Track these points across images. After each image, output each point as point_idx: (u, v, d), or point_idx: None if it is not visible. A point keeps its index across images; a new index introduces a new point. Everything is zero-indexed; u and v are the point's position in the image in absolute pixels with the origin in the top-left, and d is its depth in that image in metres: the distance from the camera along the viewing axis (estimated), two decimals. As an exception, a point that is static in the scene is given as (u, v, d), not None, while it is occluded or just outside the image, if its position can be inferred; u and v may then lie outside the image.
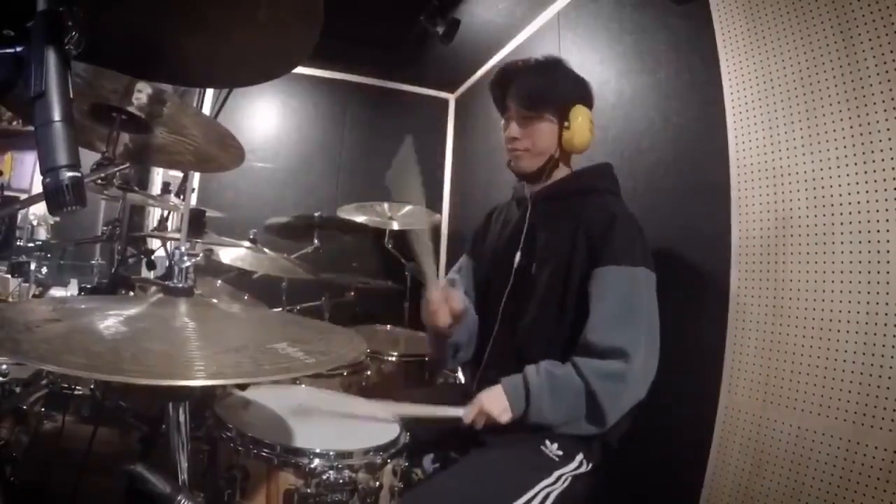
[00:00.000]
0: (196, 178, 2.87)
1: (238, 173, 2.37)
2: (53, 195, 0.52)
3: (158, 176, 2.91)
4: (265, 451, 0.95)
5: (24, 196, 2.84)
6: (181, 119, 1.08)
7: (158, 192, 2.03)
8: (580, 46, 2.16)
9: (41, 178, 0.53)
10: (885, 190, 1.05)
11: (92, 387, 1.32)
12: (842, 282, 1.12)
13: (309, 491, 0.93)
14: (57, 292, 2.22)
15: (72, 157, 0.53)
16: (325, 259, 2.62)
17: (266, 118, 3.26)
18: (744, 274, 1.33)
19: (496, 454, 1.13)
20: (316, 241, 2.52)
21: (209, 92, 2.16)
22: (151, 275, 1.83)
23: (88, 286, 1.76)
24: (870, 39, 1.09)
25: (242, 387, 1.16)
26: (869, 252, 1.07)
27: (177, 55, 0.83)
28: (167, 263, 1.01)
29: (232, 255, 1.95)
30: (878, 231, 1.06)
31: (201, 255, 1.81)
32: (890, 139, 1.05)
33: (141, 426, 1.24)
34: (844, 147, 1.13)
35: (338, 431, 1.10)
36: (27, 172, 3.25)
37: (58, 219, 2.63)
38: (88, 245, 2.72)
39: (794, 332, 1.20)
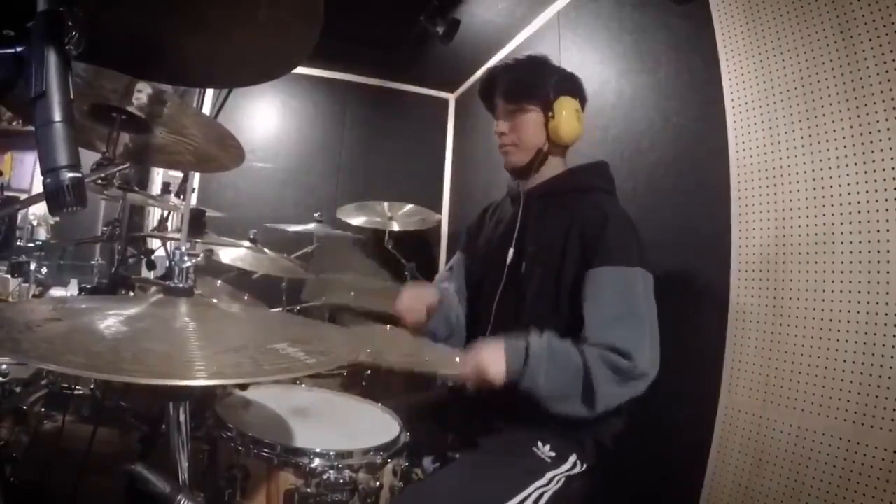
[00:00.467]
0: (196, 178, 2.86)
1: (238, 173, 2.38)
2: (54, 195, 0.52)
3: (158, 176, 2.91)
4: (265, 450, 0.95)
5: (24, 196, 2.84)
6: (181, 119, 1.08)
7: (158, 192, 2.04)
8: (580, 46, 2.16)
9: (41, 178, 0.53)
10: (885, 190, 1.05)
11: (92, 387, 1.32)
12: (842, 282, 1.12)
13: (309, 491, 0.93)
14: (57, 292, 2.22)
15: (72, 158, 0.53)
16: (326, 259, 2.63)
17: (266, 118, 3.26)
18: (744, 274, 1.33)
19: (488, 456, 1.12)
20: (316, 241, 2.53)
21: (209, 92, 2.16)
22: (151, 275, 1.83)
23: (88, 286, 1.76)
24: (870, 39, 1.09)
25: (243, 387, 1.16)
26: (869, 252, 1.07)
27: (177, 55, 0.83)
28: (167, 263, 1.01)
29: (232, 255, 1.96)
30: (878, 231, 1.06)
31: (201, 255, 1.81)
32: (890, 139, 1.05)
33: (141, 426, 1.24)
34: (844, 147, 1.13)
35: (338, 431, 1.10)
36: (27, 172, 3.25)
37: (58, 219, 2.63)
38: (88, 245, 2.71)
39: (794, 332, 1.20)
